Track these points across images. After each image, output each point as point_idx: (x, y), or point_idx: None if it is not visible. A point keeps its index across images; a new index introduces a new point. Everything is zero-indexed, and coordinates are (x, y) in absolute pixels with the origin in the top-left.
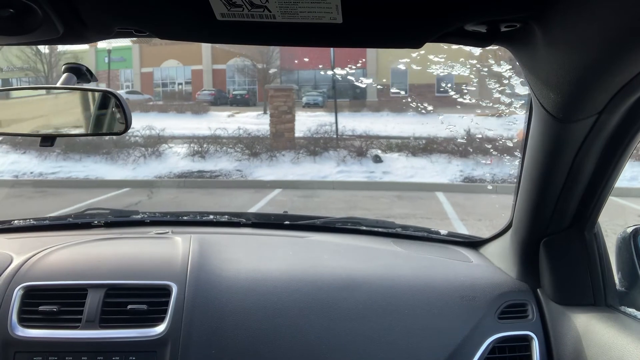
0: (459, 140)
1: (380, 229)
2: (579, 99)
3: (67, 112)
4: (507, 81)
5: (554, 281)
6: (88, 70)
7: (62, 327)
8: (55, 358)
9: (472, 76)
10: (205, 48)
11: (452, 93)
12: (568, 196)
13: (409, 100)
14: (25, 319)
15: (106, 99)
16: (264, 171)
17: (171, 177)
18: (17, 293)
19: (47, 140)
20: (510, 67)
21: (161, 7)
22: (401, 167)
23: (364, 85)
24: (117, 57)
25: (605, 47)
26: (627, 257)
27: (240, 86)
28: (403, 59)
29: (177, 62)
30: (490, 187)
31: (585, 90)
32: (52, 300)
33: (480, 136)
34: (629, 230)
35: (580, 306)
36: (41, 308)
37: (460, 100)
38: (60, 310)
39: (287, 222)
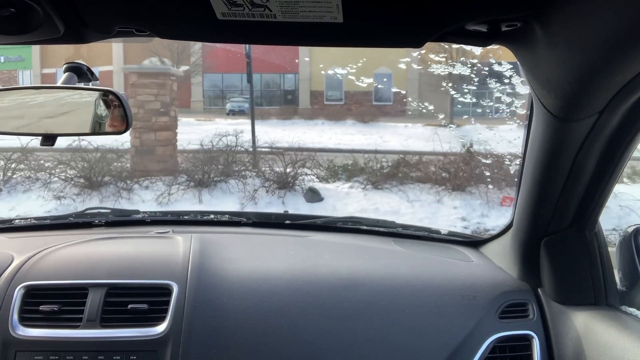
0: (448, 156)
1: (381, 229)
2: (580, 98)
3: (68, 111)
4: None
5: (554, 280)
6: (89, 69)
7: (63, 326)
8: (56, 357)
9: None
10: (117, 46)
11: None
12: (569, 195)
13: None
14: (26, 319)
15: (107, 98)
16: None
17: None
18: (18, 292)
19: (48, 140)
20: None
21: (162, 6)
22: (357, 212)
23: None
24: (15, 56)
25: (606, 47)
26: (628, 257)
27: None
28: (339, 64)
29: (83, 62)
30: None
31: (586, 89)
32: (53, 300)
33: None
34: (630, 229)
35: (581, 306)
36: (42, 307)
37: (401, 109)
38: (61, 310)
39: (287, 222)
